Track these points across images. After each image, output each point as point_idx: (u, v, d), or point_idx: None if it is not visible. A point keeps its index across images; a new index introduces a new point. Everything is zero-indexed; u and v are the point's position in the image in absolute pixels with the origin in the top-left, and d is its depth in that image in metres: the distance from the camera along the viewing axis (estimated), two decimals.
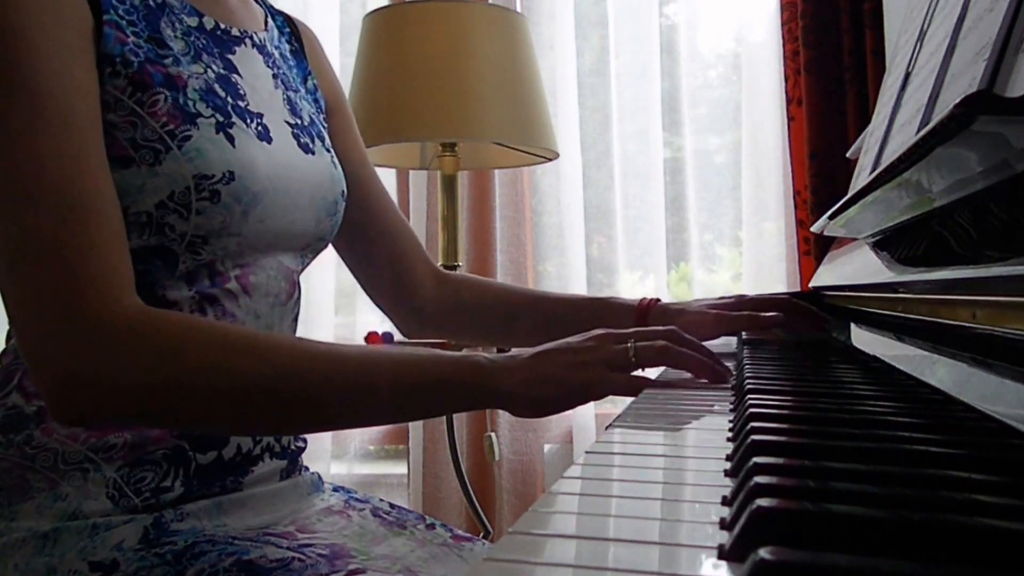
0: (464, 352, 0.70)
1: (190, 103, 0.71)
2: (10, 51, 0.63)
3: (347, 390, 0.66)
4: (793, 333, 1.04)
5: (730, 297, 0.96)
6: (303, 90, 0.90)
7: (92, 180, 0.64)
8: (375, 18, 1.67)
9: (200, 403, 0.63)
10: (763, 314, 0.90)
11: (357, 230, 0.95)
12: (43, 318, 0.61)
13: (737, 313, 0.91)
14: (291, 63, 0.90)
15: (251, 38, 0.83)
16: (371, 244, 0.99)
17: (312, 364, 0.66)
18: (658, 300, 0.95)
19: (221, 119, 0.72)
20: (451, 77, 1.57)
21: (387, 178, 2.07)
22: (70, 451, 0.69)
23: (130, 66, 0.69)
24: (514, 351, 0.70)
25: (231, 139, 0.72)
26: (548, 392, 0.67)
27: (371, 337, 1.67)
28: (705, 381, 0.70)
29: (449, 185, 1.72)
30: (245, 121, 0.75)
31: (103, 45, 0.68)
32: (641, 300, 0.95)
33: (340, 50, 2.12)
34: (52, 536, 0.67)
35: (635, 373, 0.70)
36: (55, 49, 0.65)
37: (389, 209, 1.01)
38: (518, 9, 1.99)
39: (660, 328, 0.73)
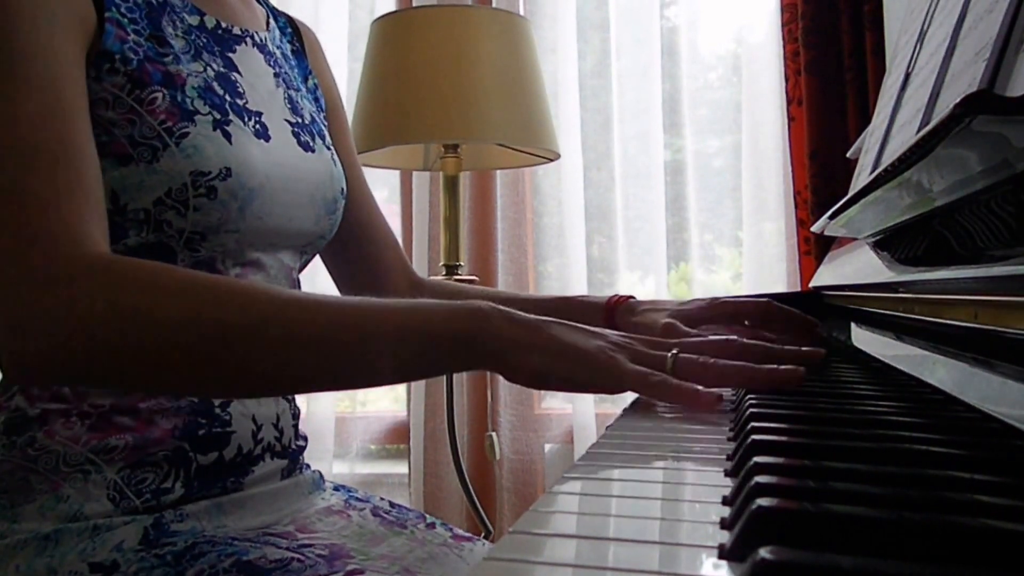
0: (473, 303, 0.61)
1: (188, 100, 0.71)
2: None
3: (310, 341, 0.59)
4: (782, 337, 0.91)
5: (703, 300, 0.88)
6: (304, 89, 0.90)
7: (68, 132, 0.62)
8: (382, 23, 1.67)
9: (145, 350, 0.57)
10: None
11: (341, 229, 0.95)
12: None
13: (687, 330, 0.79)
14: (292, 63, 0.91)
15: (252, 37, 0.83)
16: (352, 244, 0.99)
17: (275, 311, 0.59)
18: (630, 297, 0.91)
19: (218, 116, 0.73)
20: (455, 80, 1.57)
21: (391, 180, 2.08)
22: (72, 453, 0.69)
23: (129, 63, 0.69)
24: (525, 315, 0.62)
25: (228, 136, 0.73)
26: (561, 364, 0.59)
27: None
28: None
29: (451, 186, 1.72)
30: (243, 119, 0.75)
31: (103, 42, 0.68)
32: (610, 298, 0.92)
33: (348, 55, 2.12)
34: (53, 537, 0.67)
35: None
36: (48, 21, 0.64)
37: (373, 212, 1.01)
38: (521, 13, 1.99)
39: (712, 339, 0.65)
